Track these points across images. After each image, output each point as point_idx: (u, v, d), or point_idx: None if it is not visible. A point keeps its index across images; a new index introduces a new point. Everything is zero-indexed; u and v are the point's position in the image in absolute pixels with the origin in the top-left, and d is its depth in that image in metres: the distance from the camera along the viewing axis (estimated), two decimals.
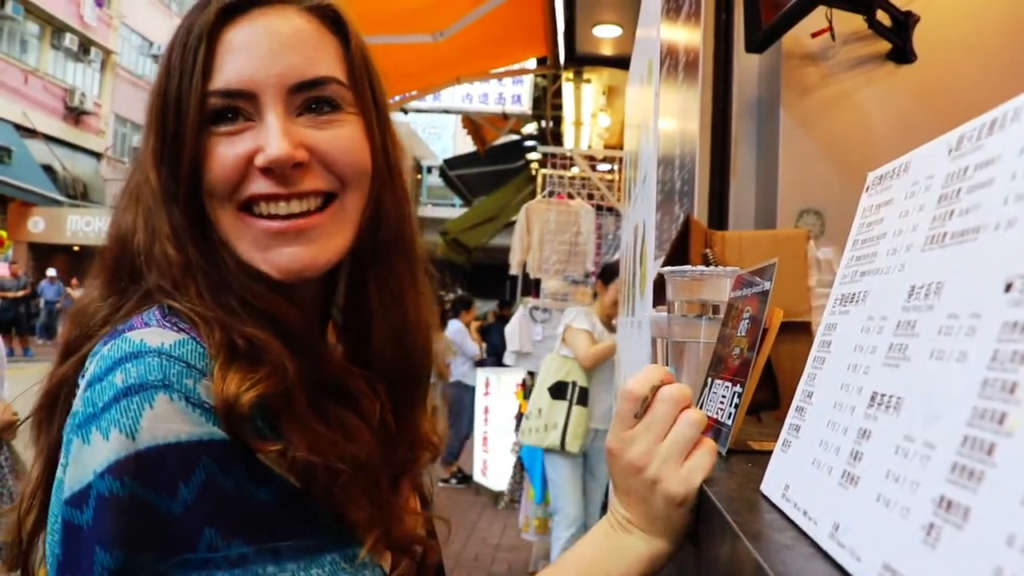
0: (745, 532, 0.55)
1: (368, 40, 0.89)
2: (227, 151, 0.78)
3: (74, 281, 18.91)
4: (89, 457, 0.66)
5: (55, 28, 22.54)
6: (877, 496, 0.45)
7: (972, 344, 0.40)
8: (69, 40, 22.81)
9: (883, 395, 0.50)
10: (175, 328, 0.73)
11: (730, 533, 0.58)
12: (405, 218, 0.91)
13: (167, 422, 0.66)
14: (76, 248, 21.20)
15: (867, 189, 0.67)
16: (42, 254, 21.54)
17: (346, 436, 0.78)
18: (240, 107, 0.79)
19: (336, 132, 0.82)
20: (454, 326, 8.04)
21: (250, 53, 0.79)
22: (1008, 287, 0.39)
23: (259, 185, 0.79)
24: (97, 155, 24.69)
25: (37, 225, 21.65)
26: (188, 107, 0.77)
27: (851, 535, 0.47)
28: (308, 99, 0.81)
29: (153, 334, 0.71)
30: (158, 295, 0.77)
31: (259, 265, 0.80)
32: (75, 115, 23.44)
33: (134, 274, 0.80)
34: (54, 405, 0.77)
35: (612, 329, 4.55)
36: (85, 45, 23.64)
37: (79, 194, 23.05)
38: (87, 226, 21.08)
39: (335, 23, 0.85)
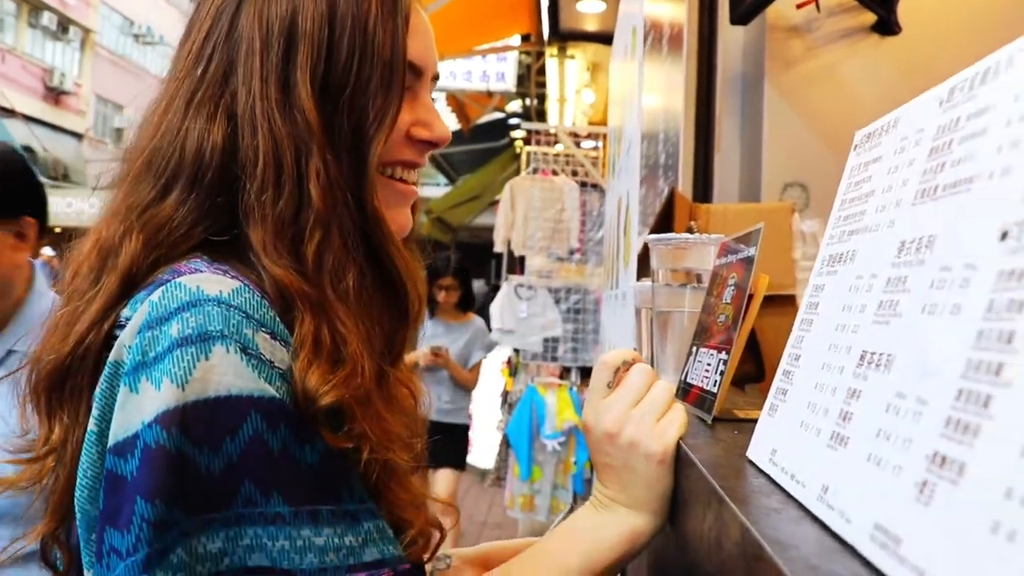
0: (732, 497, 0.54)
1: None
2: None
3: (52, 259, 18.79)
4: (137, 406, 0.64)
5: (32, 6, 22.19)
6: (868, 456, 0.44)
7: (966, 296, 0.39)
8: (47, 19, 22.46)
9: (873, 353, 0.48)
10: (228, 275, 0.71)
11: (716, 499, 0.56)
12: None
13: (220, 374, 0.64)
14: (58, 230, 21.01)
15: (855, 148, 0.66)
16: None
17: (405, 416, 0.81)
18: (408, 84, 0.84)
19: None
20: None
21: (425, 34, 0.87)
22: (1004, 235, 0.37)
23: (409, 152, 0.87)
24: (78, 136, 24.43)
25: None
26: (395, 73, 0.81)
27: (840, 496, 0.46)
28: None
29: (209, 281, 0.69)
30: (249, 250, 0.76)
31: (391, 221, 0.84)
32: (55, 95, 23.12)
33: (226, 199, 0.78)
34: (99, 358, 0.73)
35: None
36: (64, 24, 23.28)
37: (60, 175, 22.76)
38: (68, 207, 20.79)
39: None
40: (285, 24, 0.79)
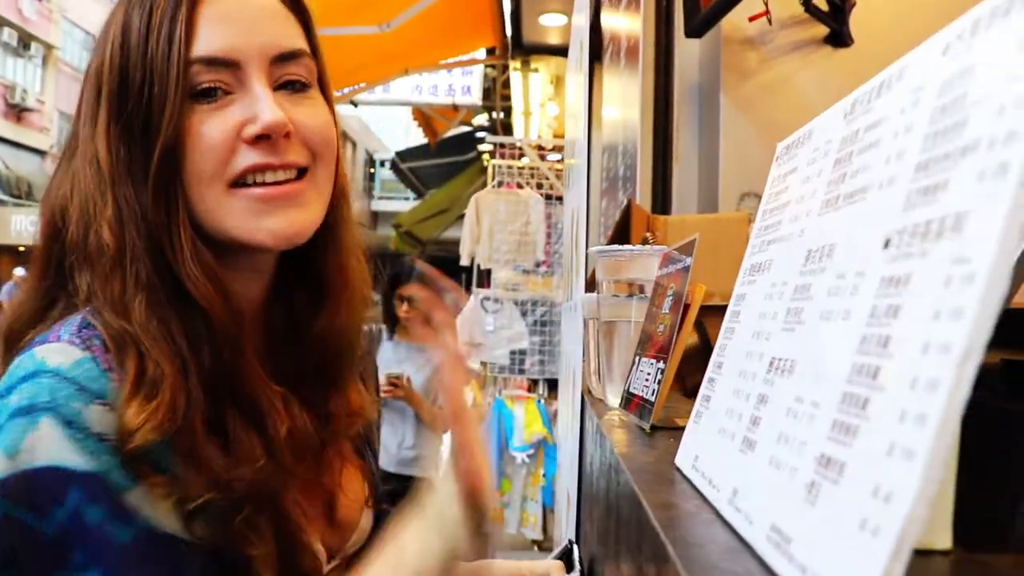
0: (651, 503, 0.55)
1: None
2: (214, 126, 0.78)
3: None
4: None
5: None
6: (770, 459, 0.45)
7: (855, 302, 0.40)
8: (7, 35, 22.17)
9: (780, 359, 0.50)
10: (82, 345, 0.72)
11: (637, 504, 0.57)
12: (349, 192, 0.95)
13: (46, 446, 0.66)
14: (21, 248, 20.70)
15: (776, 159, 0.67)
16: None
17: (241, 458, 0.76)
18: (220, 80, 0.78)
19: (311, 109, 0.84)
20: None
21: (232, 22, 0.79)
22: (887, 243, 0.39)
23: (251, 156, 0.78)
24: (41, 153, 24.11)
25: None
26: (168, 77, 0.75)
27: (746, 499, 0.47)
28: (285, 74, 0.82)
29: (56, 351, 0.71)
30: (81, 304, 0.77)
31: (253, 235, 0.79)
32: (17, 112, 22.83)
33: (61, 274, 0.80)
34: None
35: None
36: (25, 40, 23.00)
37: (23, 193, 22.48)
38: (32, 226, 20.52)
39: (297, 7, 0.87)
40: (96, 63, 0.80)
